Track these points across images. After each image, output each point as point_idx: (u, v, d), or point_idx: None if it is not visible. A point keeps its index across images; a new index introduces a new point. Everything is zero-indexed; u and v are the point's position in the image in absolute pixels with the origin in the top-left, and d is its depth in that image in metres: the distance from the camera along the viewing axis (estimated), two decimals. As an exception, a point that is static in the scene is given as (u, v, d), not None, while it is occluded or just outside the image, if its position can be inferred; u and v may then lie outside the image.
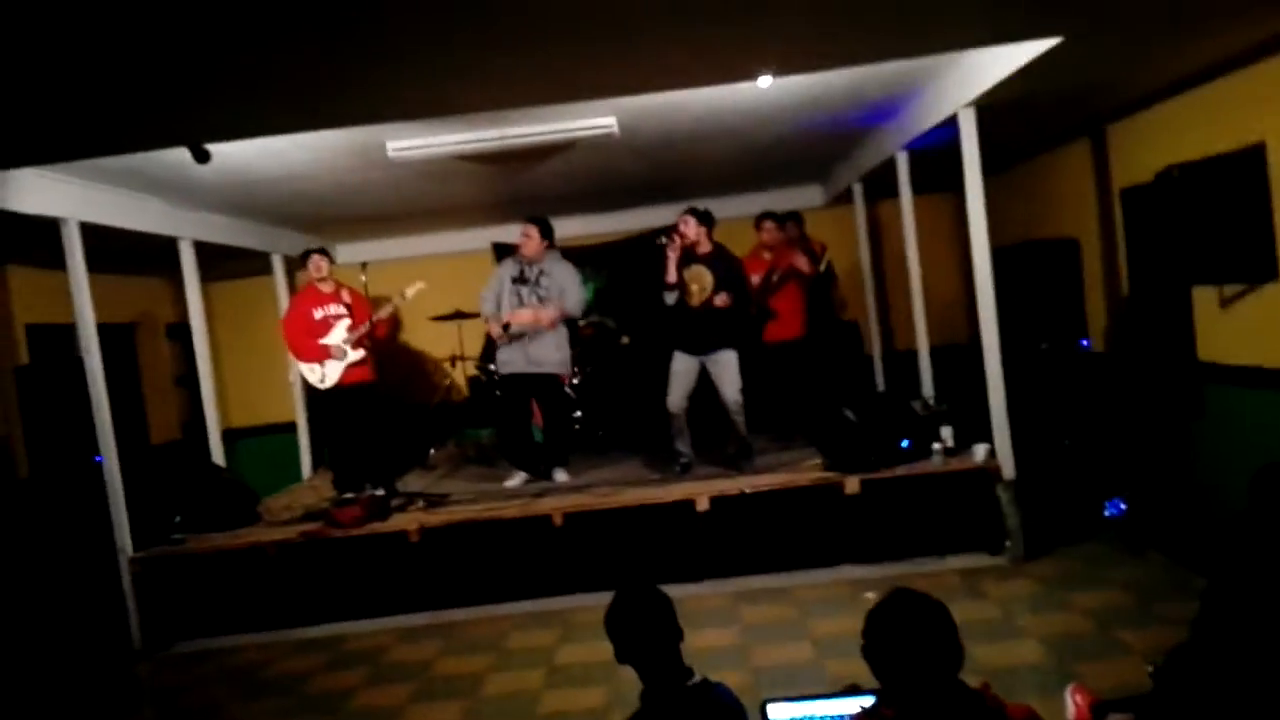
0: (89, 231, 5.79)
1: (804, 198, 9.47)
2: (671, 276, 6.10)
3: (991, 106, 5.42)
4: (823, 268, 7.75)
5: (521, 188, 7.64)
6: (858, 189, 8.57)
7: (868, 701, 2.17)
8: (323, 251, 6.95)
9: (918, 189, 7.14)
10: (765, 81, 4.83)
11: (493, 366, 7.11)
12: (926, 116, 6.05)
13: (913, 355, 7.28)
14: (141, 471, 6.78)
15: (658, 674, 2.43)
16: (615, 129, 5.78)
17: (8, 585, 5.87)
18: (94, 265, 5.95)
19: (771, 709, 2.62)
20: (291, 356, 7.12)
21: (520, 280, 6.53)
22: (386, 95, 4.23)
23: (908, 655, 2.00)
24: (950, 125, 5.69)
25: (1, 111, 3.63)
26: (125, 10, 2.79)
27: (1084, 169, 6.82)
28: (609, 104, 5.42)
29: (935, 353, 7.15)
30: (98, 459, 5.80)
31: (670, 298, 6.15)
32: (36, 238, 5.76)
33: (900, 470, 5.77)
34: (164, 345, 9.55)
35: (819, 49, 4.32)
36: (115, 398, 6.04)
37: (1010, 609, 4.86)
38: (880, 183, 7.80)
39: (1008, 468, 5.60)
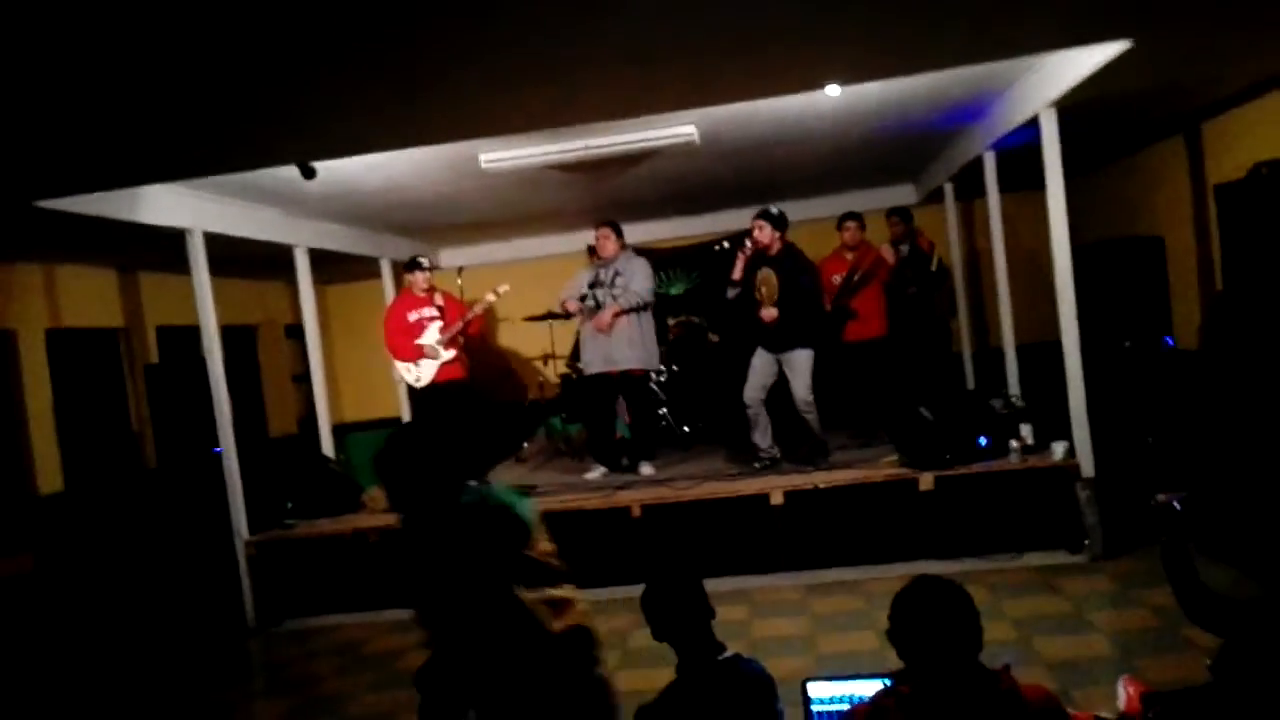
0: (213, 240, 6.33)
1: (896, 196, 9.48)
2: (736, 274, 6.29)
3: (1073, 107, 5.42)
4: (934, 265, 7.75)
5: (610, 193, 7.93)
6: (948, 188, 8.55)
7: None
8: (429, 264, 7.38)
9: (1006, 187, 7.12)
10: (834, 90, 4.96)
11: (580, 365, 7.40)
12: (1010, 117, 6.06)
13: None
14: (259, 462, 7.33)
15: (691, 650, 2.63)
16: (695, 137, 5.98)
17: (137, 566, 6.45)
18: (218, 271, 6.49)
19: (811, 687, 2.80)
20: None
21: (596, 284, 6.83)
22: (479, 114, 4.54)
23: (928, 636, 2.13)
24: (1033, 125, 5.69)
25: (136, 136, 4.08)
26: (247, 49, 3.15)
27: (1177, 166, 6.68)
28: (690, 112, 5.63)
29: (1025, 350, 7.11)
30: (217, 450, 6.33)
31: (731, 293, 6.35)
32: (165, 246, 6.32)
33: (976, 467, 5.80)
34: (283, 345, 10.21)
35: (882, 60, 4.42)
36: (237, 394, 6.57)
37: (1082, 604, 4.86)
38: (972, 181, 7.79)
39: (1087, 465, 5.56)
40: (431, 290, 7.27)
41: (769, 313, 6.15)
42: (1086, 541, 5.54)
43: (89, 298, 7.43)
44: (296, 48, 3.22)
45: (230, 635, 6.09)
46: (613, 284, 6.77)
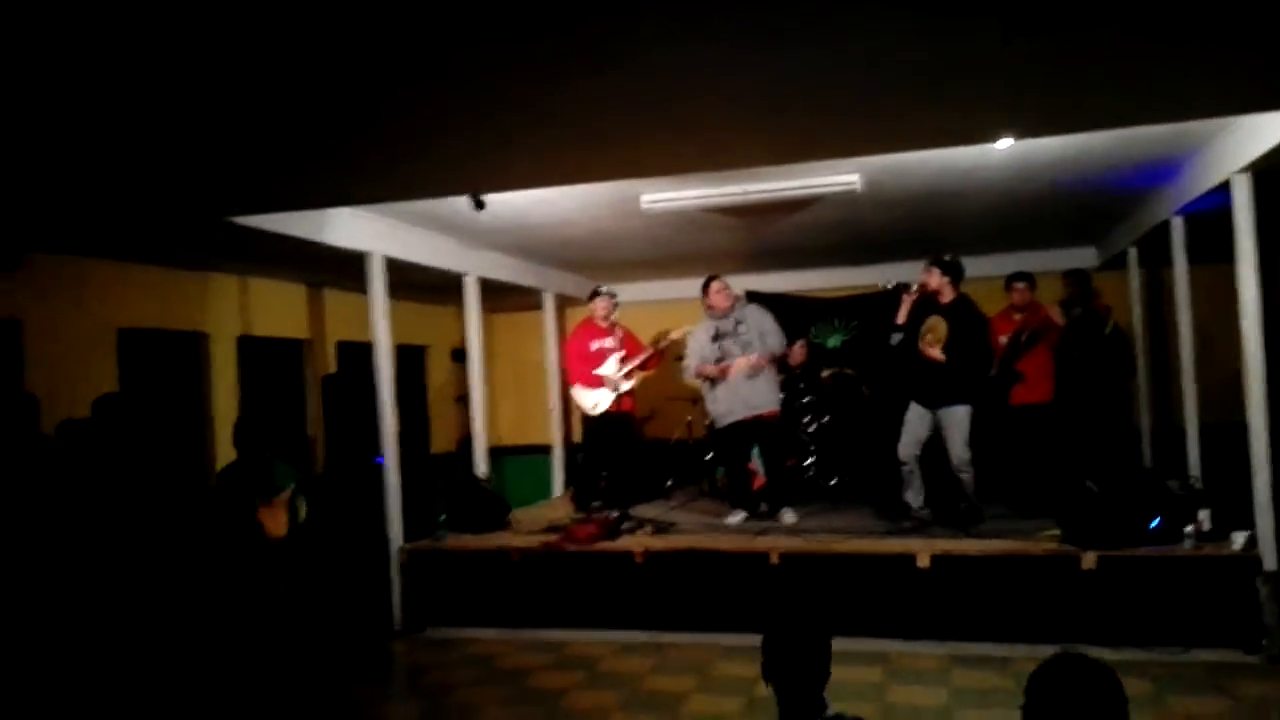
0: (391, 263, 6.73)
1: (1076, 259, 9.02)
2: (901, 318, 6.17)
3: (1270, 172, 5.06)
4: (1109, 330, 7.38)
5: (769, 238, 7.93)
6: (1132, 252, 8.12)
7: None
8: (610, 294, 7.63)
9: (1199, 256, 6.70)
10: (1005, 143, 4.83)
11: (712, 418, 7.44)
12: (1200, 181, 5.73)
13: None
14: (418, 475, 7.68)
15: (792, 702, 2.53)
16: (859, 185, 5.92)
17: (297, 563, 6.82)
18: (394, 292, 6.90)
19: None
20: (565, 382, 7.84)
21: (719, 336, 6.89)
22: (639, 155, 4.67)
23: (1066, 717, 2.01)
24: (1225, 191, 5.35)
25: (325, 162, 4.42)
26: (435, 87, 3.40)
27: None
28: (853, 160, 5.60)
29: (1210, 430, 6.62)
30: (379, 460, 6.68)
31: (895, 338, 6.23)
32: (349, 267, 6.77)
33: (1145, 550, 5.42)
34: (449, 367, 10.68)
35: (1059, 114, 4.27)
36: (403, 410, 6.93)
37: (1258, 710, 4.46)
38: (1159, 247, 7.36)
39: (1270, 558, 5.12)
40: (613, 324, 7.51)
41: (934, 352, 5.98)
42: (1265, 642, 5.08)
43: (278, 309, 8.02)
44: (477, 86, 3.42)
45: (377, 636, 6.37)
46: (736, 332, 6.85)
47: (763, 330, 6.87)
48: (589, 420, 7.63)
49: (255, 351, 7.72)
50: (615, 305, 7.67)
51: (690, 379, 7.20)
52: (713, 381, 6.95)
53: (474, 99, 3.56)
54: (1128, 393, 8.51)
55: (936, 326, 6.07)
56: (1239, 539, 5.28)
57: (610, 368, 7.32)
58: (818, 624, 2.68)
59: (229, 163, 4.34)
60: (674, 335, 7.33)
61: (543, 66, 3.20)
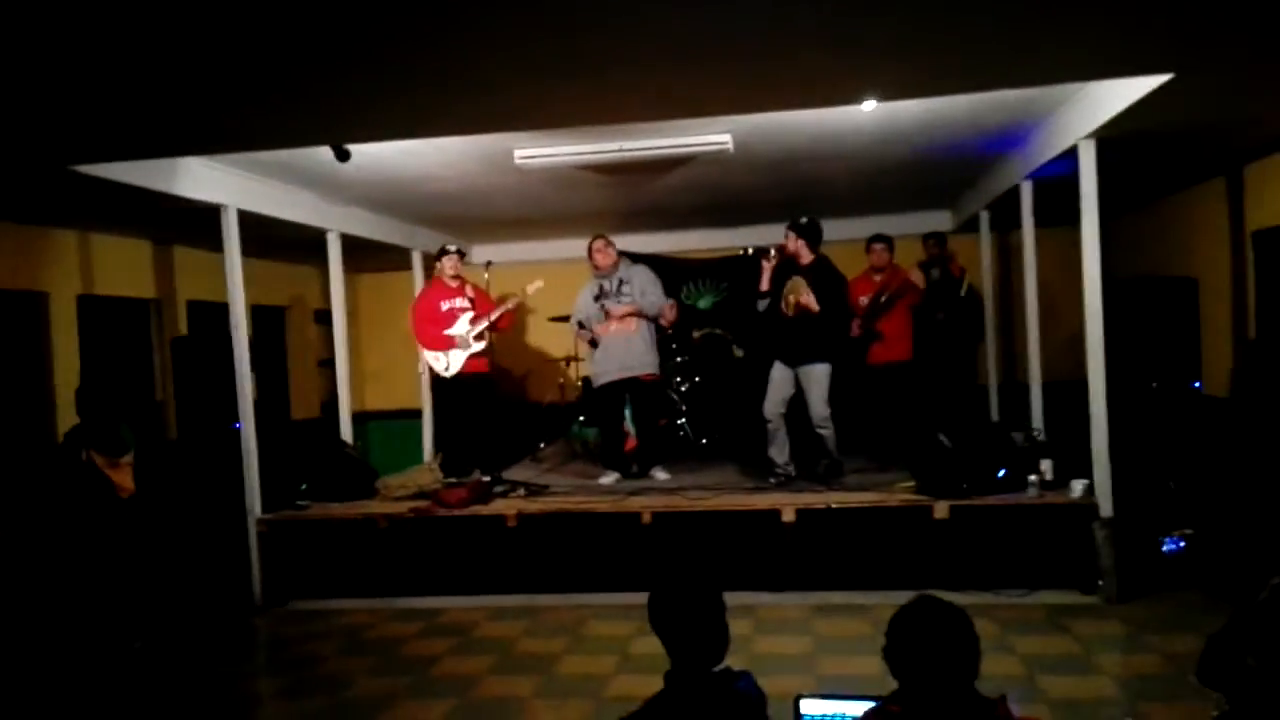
0: (247, 219, 6.38)
1: (931, 222, 9.40)
2: (764, 285, 6.28)
3: (1113, 140, 5.35)
4: (964, 291, 7.70)
5: (642, 199, 7.93)
6: (984, 216, 8.47)
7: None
8: (458, 251, 7.43)
9: (1045, 220, 7.04)
10: (869, 105, 4.94)
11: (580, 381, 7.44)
12: (1048, 147, 6.00)
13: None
14: (279, 443, 7.38)
15: (682, 657, 2.55)
16: (730, 146, 5.96)
17: (150, 535, 6.49)
18: (252, 250, 6.55)
19: (804, 703, 2.75)
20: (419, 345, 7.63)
21: (602, 295, 6.90)
22: (509, 105, 4.54)
23: (923, 655, 2.06)
24: (1072, 157, 5.63)
25: (173, 104, 4.12)
26: (283, 25, 3.18)
27: (1216, 208, 6.58)
28: (725, 121, 5.62)
29: (1052, 387, 7.02)
30: (237, 426, 6.38)
31: (762, 305, 6.35)
32: (201, 222, 6.39)
33: (993, 499, 5.72)
34: (311, 329, 10.28)
35: (918, 77, 4.37)
36: (262, 374, 6.63)
37: (1091, 646, 4.78)
38: (1009, 211, 7.71)
39: (1106, 505, 5.48)
40: (462, 282, 7.32)
41: (807, 299, 6.09)
42: (1101, 583, 5.45)
43: (122, 267, 7.52)
44: (330, 27, 3.24)
45: (236, 611, 6.12)
46: (619, 292, 6.88)
47: (644, 289, 6.91)
48: (440, 383, 7.44)
49: (98, 312, 7.22)
50: (463, 261, 7.46)
51: (581, 337, 7.16)
52: (593, 341, 6.93)
53: (340, 36, 3.36)
54: (975, 351, 8.97)
55: (797, 287, 6.20)
56: (1078, 487, 5.63)
57: (461, 327, 7.16)
58: (705, 579, 2.66)
59: (71, 106, 3.99)
60: (528, 289, 7.21)
61: (424, 8, 3.06)
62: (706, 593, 2.61)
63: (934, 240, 7.76)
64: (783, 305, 6.25)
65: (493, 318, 7.16)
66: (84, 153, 4.84)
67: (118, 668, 5.15)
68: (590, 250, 6.99)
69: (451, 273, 7.29)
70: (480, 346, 7.19)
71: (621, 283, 6.91)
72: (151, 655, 5.34)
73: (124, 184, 5.25)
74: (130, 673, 5.13)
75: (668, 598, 2.61)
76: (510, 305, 7.25)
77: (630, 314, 6.79)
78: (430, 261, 9.64)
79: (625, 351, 6.80)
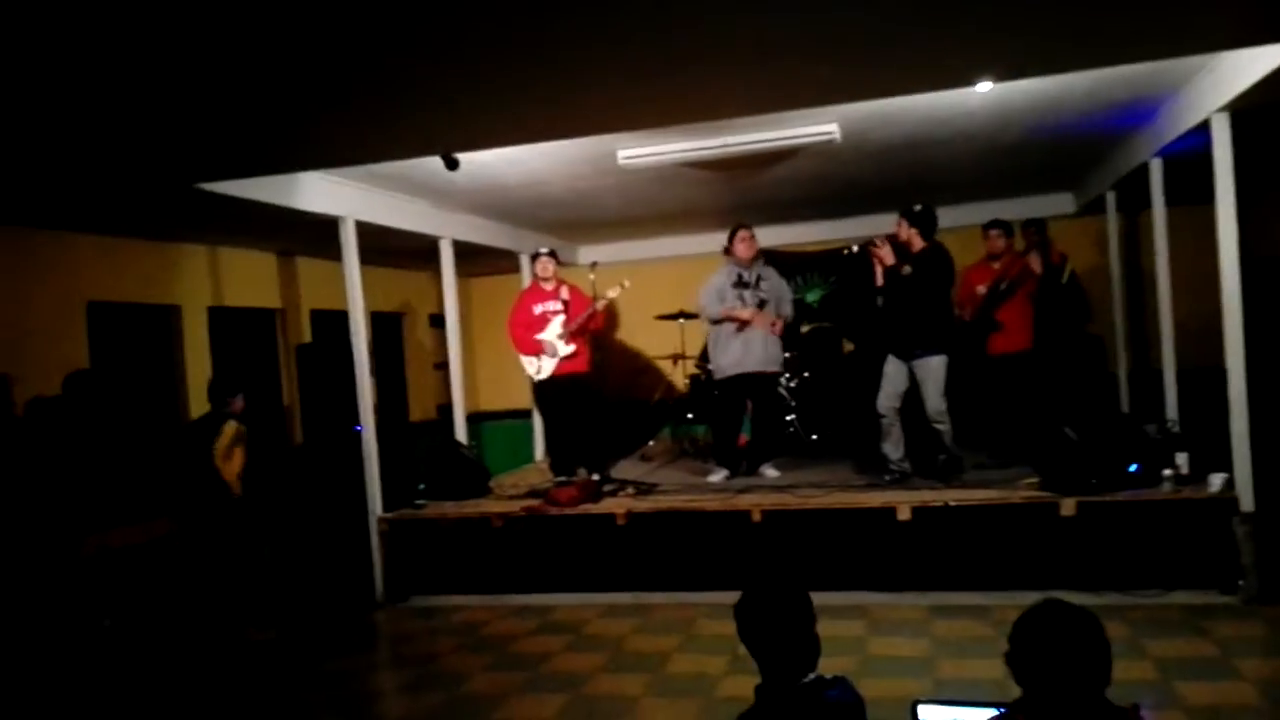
0: (364, 229, 6.61)
1: (1053, 205, 9.06)
2: (879, 281, 6.13)
3: (1249, 111, 5.01)
4: (1065, 279, 7.38)
5: (748, 193, 7.85)
6: (1110, 197, 8.08)
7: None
8: (551, 254, 7.50)
9: (1178, 199, 6.67)
10: (984, 87, 4.76)
11: (710, 367, 7.36)
12: (1179, 122, 5.68)
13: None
14: (397, 444, 7.62)
15: (772, 668, 2.47)
16: (837, 135, 5.84)
17: (279, 534, 6.80)
18: (368, 259, 6.78)
19: (922, 709, 2.66)
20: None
21: (740, 284, 6.80)
22: (615, 109, 4.56)
23: (1050, 662, 1.97)
24: (1204, 131, 5.30)
25: (294, 122, 4.30)
26: (394, 40, 3.28)
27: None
28: (831, 110, 5.51)
29: (1189, 374, 6.63)
30: (358, 429, 6.61)
31: (880, 301, 6.19)
32: (321, 234, 6.64)
33: (1124, 495, 5.43)
34: (427, 333, 10.58)
35: (1037, 56, 4.19)
36: (381, 378, 6.85)
37: (1231, 649, 4.49)
38: (1138, 191, 7.33)
39: (1247, 500, 5.14)
40: (558, 284, 7.38)
41: (906, 268, 5.96)
42: (1241, 582, 5.12)
43: (249, 279, 7.89)
44: (437, 45, 3.32)
45: (359, 607, 6.34)
46: (758, 286, 6.81)
47: (780, 295, 6.92)
48: (537, 386, 7.51)
49: (228, 322, 7.60)
50: (557, 263, 7.50)
51: (712, 316, 6.92)
52: (740, 325, 6.77)
53: (447, 54, 3.45)
54: (1100, 339, 8.55)
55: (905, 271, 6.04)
56: (1216, 481, 5.30)
57: (553, 331, 7.21)
58: (791, 586, 2.60)
59: (197, 128, 4.22)
60: (610, 294, 7.22)
61: (520, 17, 3.10)
62: (792, 600, 2.51)
63: (1033, 228, 7.43)
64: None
65: (579, 321, 7.20)
66: (209, 171, 5.09)
67: (237, 657, 5.41)
68: (734, 238, 6.91)
69: (544, 275, 7.37)
70: (570, 350, 7.22)
71: (760, 279, 6.87)
72: (277, 648, 5.59)
73: (248, 200, 5.50)
74: (251, 663, 5.38)
75: (752, 607, 2.53)
76: (599, 306, 7.30)
77: (780, 329, 6.83)
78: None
79: (763, 346, 6.76)
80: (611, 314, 7.60)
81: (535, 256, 7.49)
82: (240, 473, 5.75)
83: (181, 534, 5.86)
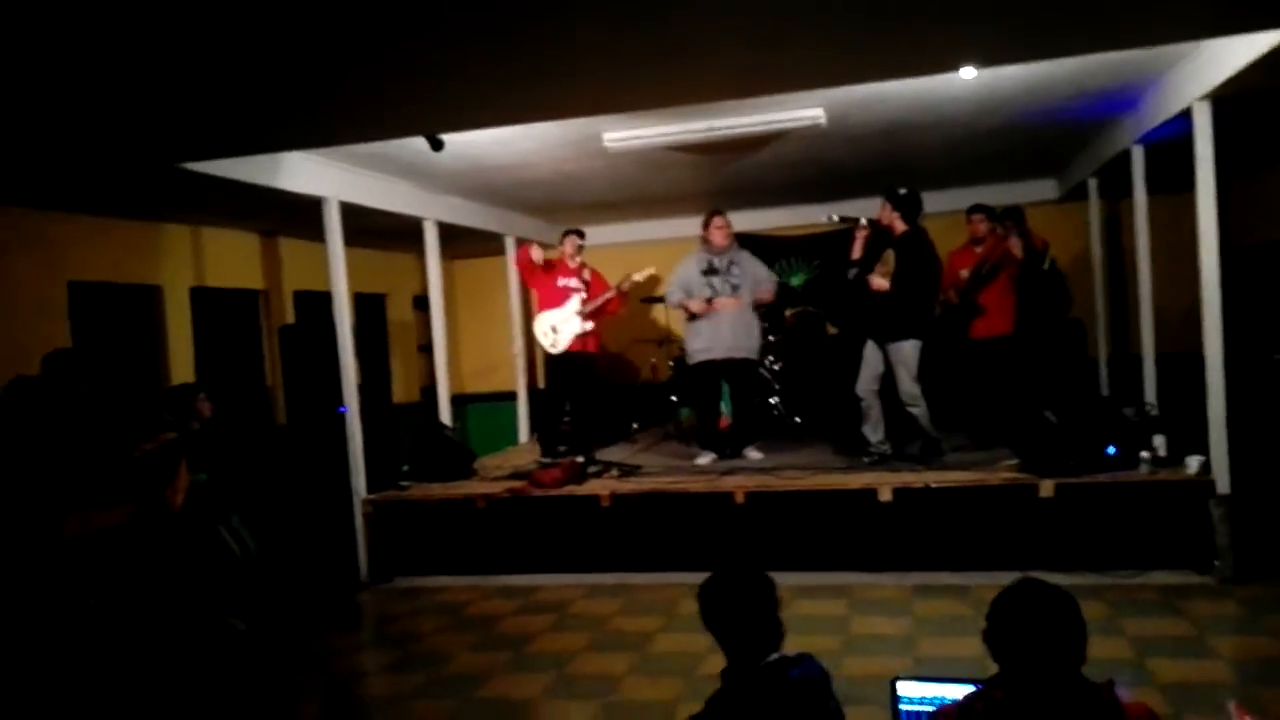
0: (348, 210, 6.58)
1: (1036, 191, 9.13)
2: (856, 253, 6.21)
3: (1231, 99, 5.06)
4: (1046, 265, 7.43)
5: (734, 177, 7.85)
6: (1092, 184, 8.15)
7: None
8: (579, 233, 7.64)
9: (1158, 187, 6.73)
10: (969, 73, 4.78)
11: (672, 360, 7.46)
12: (1160, 109, 5.72)
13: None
14: (381, 426, 7.61)
15: (734, 651, 2.43)
16: (823, 119, 5.86)
17: (261, 515, 6.78)
18: (352, 240, 6.76)
19: (901, 685, 2.71)
20: (527, 324, 7.76)
21: (710, 271, 6.83)
22: (602, 90, 4.56)
23: (1027, 639, 2.01)
24: (1186, 119, 5.34)
25: (279, 101, 4.27)
26: (379, 20, 3.26)
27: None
28: (817, 95, 5.51)
29: (1167, 359, 6.71)
30: (342, 410, 6.60)
31: (852, 273, 6.28)
32: (304, 214, 6.61)
33: (1102, 477, 5.51)
34: (410, 315, 10.55)
35: (1021, 42, 4.22)
36: (364, 360, 6.83)
37: (1206, 628, 4.58)
38: (1120, 178, 7.39)
39: (1222, 482, 5.22)
40: (581, 265, 7.47)
41: (879, 282, 6.03)
42: (1216, 563, 5.21)
43: (232, 260, 7.85)
44: (423, 23, 3.30)
45: (343, 588, 6.35)
46: (729, 272, 6.80)
47: (756, 278, 6.91)
48: (550, 359, 7.58)
49: (210, 303, 7.56)
50: (581, 246, 7.61)
51: (673, 305, 7.08)
52: (693, 316, 6.88)
53: (433, 34, 3.43)
54: (1080, 324, 8.63)
55: (888, 259, 6.08)
56: (1193, 463, 5.38)
57: (571, 308, 7.29)
58: (752, 570, 2.58)
59: (180, 107, 4.19)
60: (636, 277, 7.29)
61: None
62: (752, 584, 2.52)
63: (1011, 217, 7.47)
64: (868, 276, 6.15)
65: (599, 301, 7.29)
66: (192, 150, 5.05)
67: (218, 644, 5.40)
68: (708, 225, 6.91)
69: (571, 253, 7.45)
70: (588, 326, 7.33)
71: (732, 264, 6.86)
72: (257, 632, 5.58)
73: (230, 179, 5.47)
74: (232, 648, 5.37)
75: (713, 592, 2.54)
76: (623, 288, 7.36)
77: (739, 305, 6.75)
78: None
79: (731, 332, 6.76)
80: (626, 299, 7.66)
81: (566, 234, 7.63)
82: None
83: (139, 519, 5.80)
